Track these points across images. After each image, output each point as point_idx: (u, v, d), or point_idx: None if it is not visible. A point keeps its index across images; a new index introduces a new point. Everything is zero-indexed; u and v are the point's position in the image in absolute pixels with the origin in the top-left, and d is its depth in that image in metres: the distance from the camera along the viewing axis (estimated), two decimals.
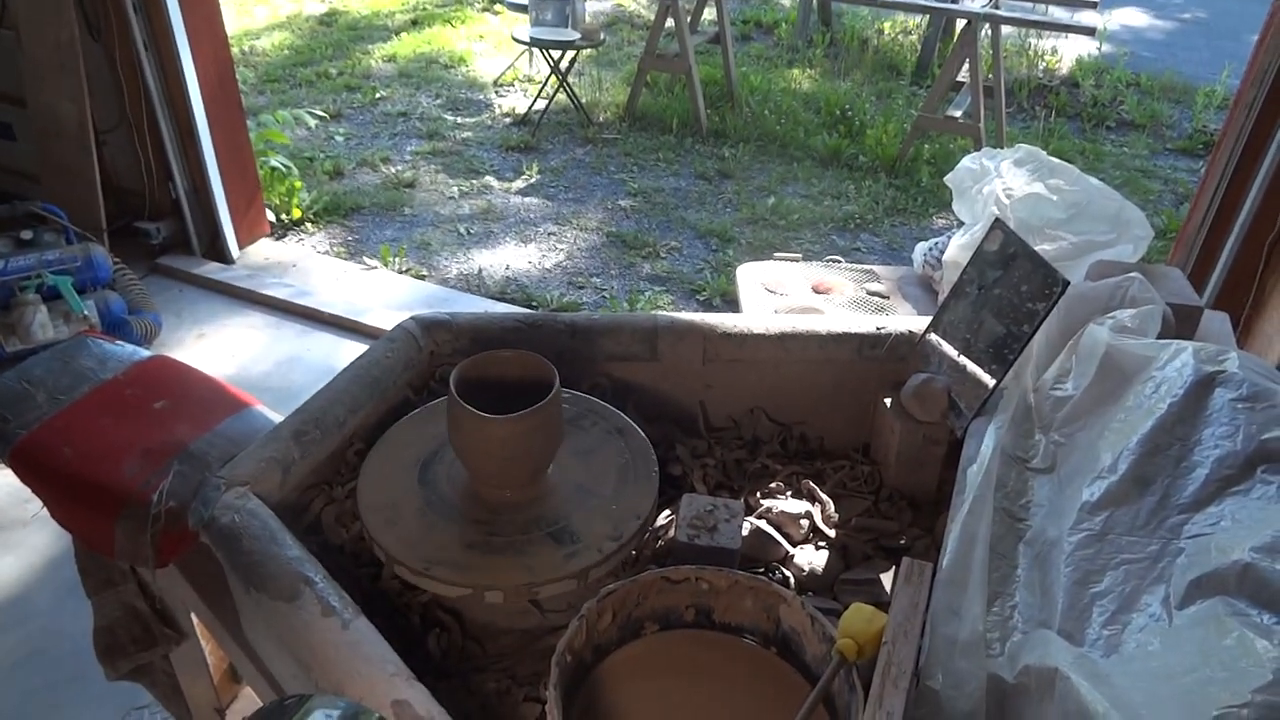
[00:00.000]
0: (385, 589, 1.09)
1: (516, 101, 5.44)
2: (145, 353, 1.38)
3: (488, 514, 1.04)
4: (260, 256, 3.63)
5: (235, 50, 5.49)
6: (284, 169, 4.05)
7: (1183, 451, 0.88)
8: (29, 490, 1.24)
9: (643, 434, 1.15)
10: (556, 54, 4.99)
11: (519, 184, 4.46)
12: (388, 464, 1.11)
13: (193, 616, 1.34)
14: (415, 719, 0.78)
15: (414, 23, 6.81)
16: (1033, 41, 6.27)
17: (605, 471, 1.10)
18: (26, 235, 2.96)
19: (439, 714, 0.79)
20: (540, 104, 5.12)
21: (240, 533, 0.98)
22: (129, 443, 1.20)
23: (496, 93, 5.59)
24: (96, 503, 1.16)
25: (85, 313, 2.85)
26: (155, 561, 1.15)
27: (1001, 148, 2.31)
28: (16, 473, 1.23)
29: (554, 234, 4.01)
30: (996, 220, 1.21)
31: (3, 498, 2.43)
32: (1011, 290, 1.15)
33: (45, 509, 1.24)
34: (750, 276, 2.34)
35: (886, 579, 1.10)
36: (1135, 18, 7.59)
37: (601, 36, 5.16)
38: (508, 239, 3.96)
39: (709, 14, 5.62)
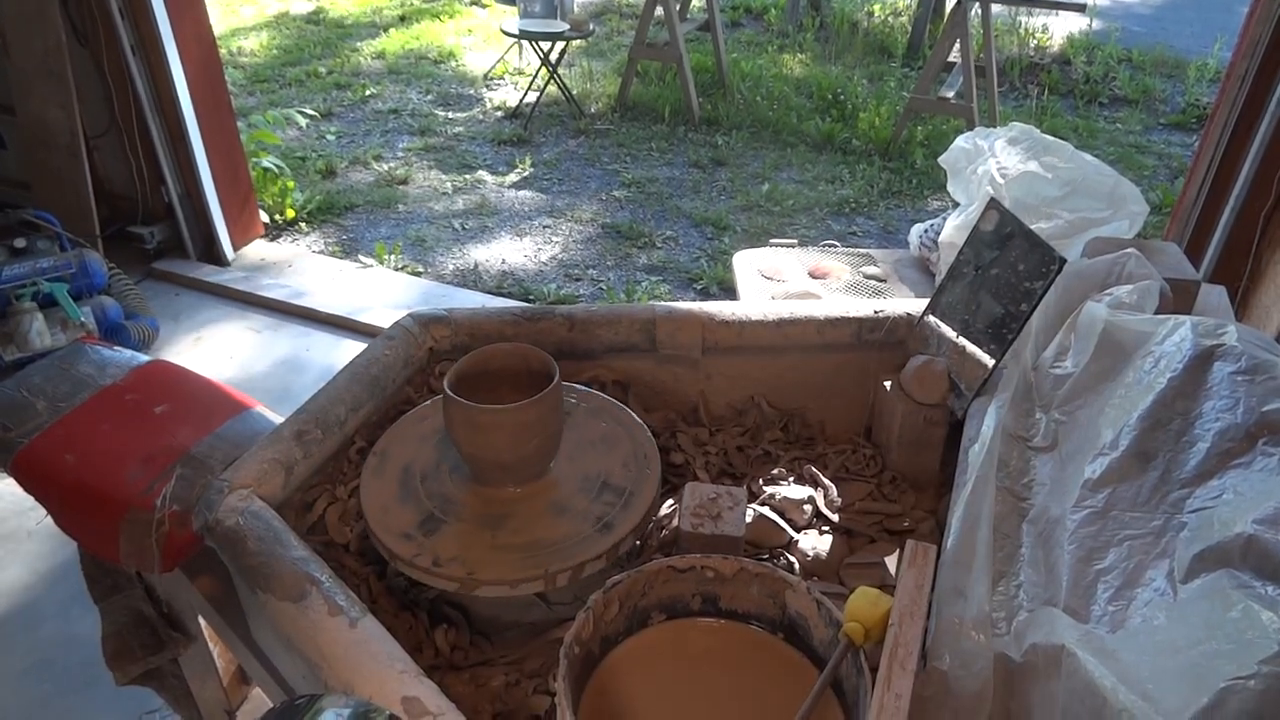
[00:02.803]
0: (391, 586, 1.09)
1: (507, 95, 5.43)
2: (144, 358, 1.37)
3: (491, 509, 1.04)
4: (255, 258, 3.62)
5: (223, 51, 5.46)
6: (276, 169, 4.04)
7: (1183, 426, 0.88)
8: (32, 499, 1.24)
9: (646, 429, 1.15)
10: (546, 46, 4.97)
11: (512, 178, 4.45)
12: (390, 461, 1.11)
13: (200, 619, 1.34)
14: (425, 714, 0.79)
15: (402, 19, 6.79)
16: (1023, 20, 6.25)
17: (607, 470, 1.10)
18: (20, 243, 2.95)
19: (449, 709, 0.79)
20: (531, 97, 5.11)
21: (245, 535, 0.98)
22: (130, 448, 1.20)
23: (487, 87, 5.58)
24: (100, 509, 1.16)
25: (82, 319, 2.85)
26: (160, 566, 1.15)
27: (995, 127, 2.31)
28: (19, 481, 1.23)
29: (549, 227, 4.00)
30: (992, 200, 1.20)
31: (6, 506, 2.43)
32: (1008, 270, 1.14)
33: (49, 517, 1.24)
34: (747, 264, 2.33)
35: (891, 562, 1.10)
36: None
37: (590, 27, 5.14)
38: (502, 233, 3.95)
39: (698, 1, 5.60)
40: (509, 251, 3.81)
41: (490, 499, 1.05)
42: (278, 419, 1.23)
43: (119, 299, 3.03)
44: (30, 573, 2.26)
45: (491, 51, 5.99)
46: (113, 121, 3.30)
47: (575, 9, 5.18)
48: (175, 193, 3.40)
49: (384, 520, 1.02)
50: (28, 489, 1.23)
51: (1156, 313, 1.10)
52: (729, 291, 3.43)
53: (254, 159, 3.96)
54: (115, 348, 1.40)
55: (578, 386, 1.22)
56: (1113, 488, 0.87)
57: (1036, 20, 6.28)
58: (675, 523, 1.12)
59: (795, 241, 2.49)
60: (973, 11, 4.35)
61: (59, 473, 1.19)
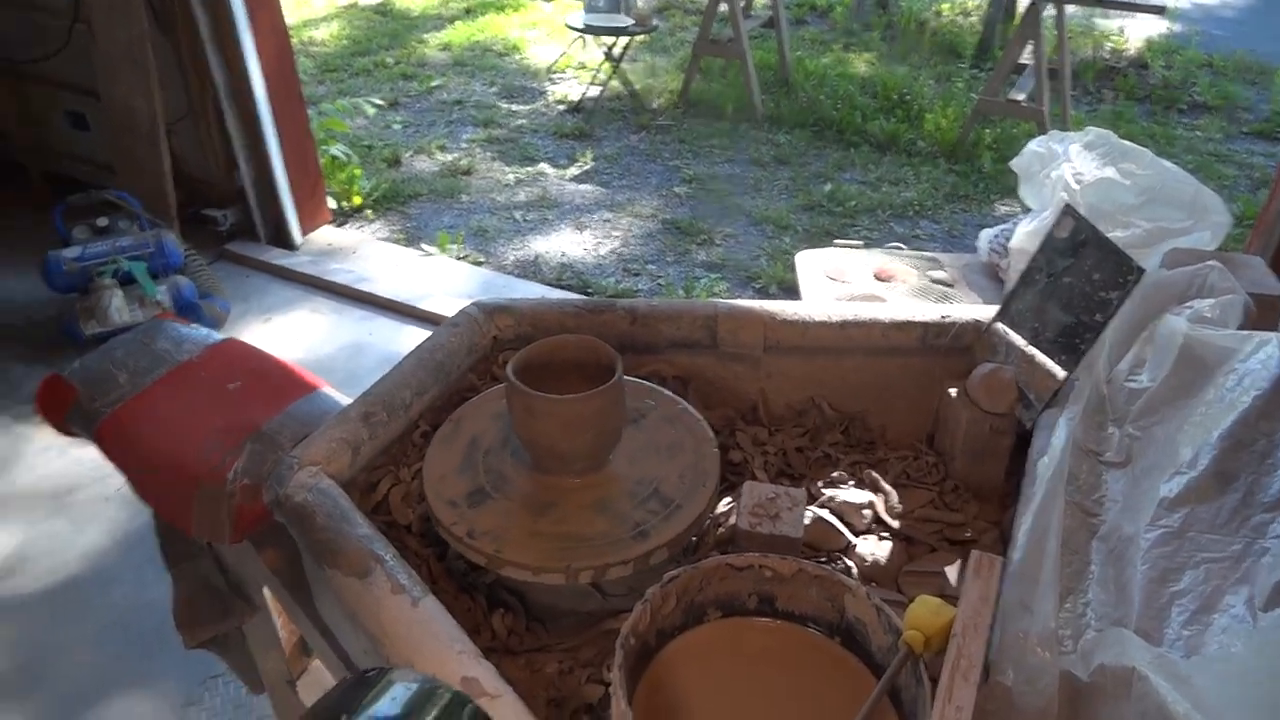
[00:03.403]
0: (451, 569, 1.11)
1: (570, 89, 5.45)
2: (218, 335, 1.42)
3: (539, 495, 1.06)
4: (323, 243, 3.70)
5: (295, 41, 5.59)
6: (344, 157, 4.13)
7: (1268, 447, 0.85)
8: (112, 466, 1.28)
9: (715, 445, 1.13)
10: (610, 40, 4.99)
11: (574, 171, 4.48)
12: (461, 432, 1.14)
13: (265, 590, 1.38)
14: (484, 695, 0.80)
15: (468, 11, 6.87)
16: (1099, 21, 6.09)
17: (661, 478, 1.09)
18: (102, 223, 3.07)
19: (506, 691, 0.81)
20: (594, 91, 5.13)
21: (313, 511, 1.00)
22: (205, 422, 1.24)
23: (550, 80, 5.61)
24: (175, 479, 1.20)
25: (158, 297, 2.95)
26: (230, 537, 1.18)
27: (1066, 131, 2.25)
28: (101, 449, 1.27)
29: (609, 221, 4.02)
30: (1067, 206, 1.18)
31: (86, 473, 2.53)
32: (1082, 278, 1.12)
33: (127, 484, 1.29)
34: (810, 264, 2.32)
35: (951, 572, 1.09)
36: None
37: (654, 22, 5.14)
38: (563, 226, 3.98)
39: None
40: (569, 244, 3.83)
41: (540, 485, 1.06)
42: (344, 400, 1.25)
43: (193, 279, 3.13)
44: (108, 537, 2.35)
45: (555, 45, 6.02)
46: (190, 108, 3.40)
47: (640, 4, 5.18)
48: (248, 178, 3.50)
49: (438, 486, 1.06)
50: (109, 457, 1.28)
51: (1240, 329, 1.06)
52: (788, 291, 3.41)
53: (323, 146, 4.04)
54: (192, 325, 1.44)
55: (664, 392, 1.21)
56: (1190, 508, 0.84)
57: (1113, 22, 6.11)
58: (732, 521, 1.12)
59: (860, 243, 2.47)
60: (1046, 12, 4.25)
61: (138, 443, 1.23)
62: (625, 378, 1.20)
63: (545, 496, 1.05)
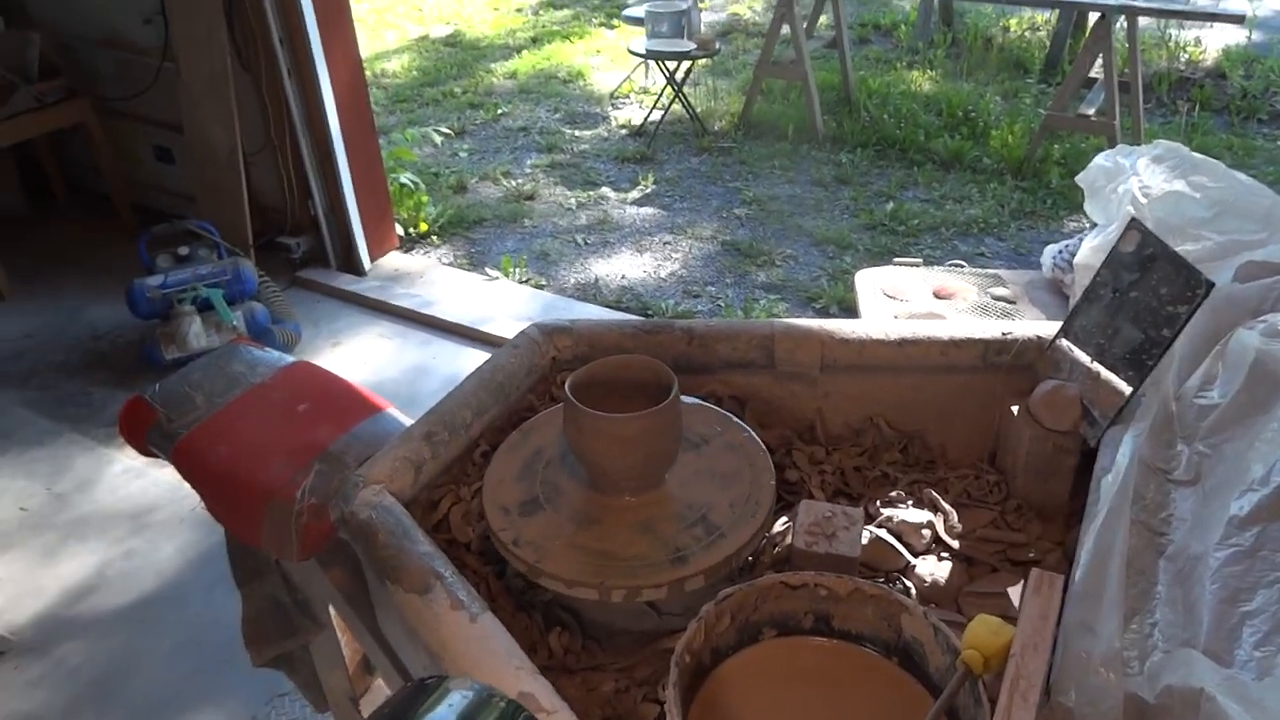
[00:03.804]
0: (510, 587, 1.13)
1: (632, 113, 5.52)
2: (290, 359, 1.47)
3: (586, 510, 1.07)
4: (390, 268, 3.81)
5: (368, 73, 5.78)
6: (412, 185, 4.24)
7: None
8: (188, 485, 1.34)
9: (772, 474, 1.12)
10: (672, 65, 5.04)
11: (635, 194, 4.52)
12: (529, 441, 1.17)
13: (330, 609, 1.42)
14: (540, 711, 0.81)
15: (534, 40, 7.01)
16: (1173, 32, 5.91)
17: (711, 505, 1.09)
18: (183, 251, 3.21)
19: (563, 708, 0.82)
20: (656, 115, 5.18)
21: (377, 528, 1.03)
22: (276, 442, 1.29)
23: (613, 105, 5.69)
24: (247, 496, 1.25)
25: (234, 323, 3.07)
26: (298, 554, 1.22)
27: (1138, 145, 2.19)
28: (178, 469, 1.33)
29: (669, 243, 4.04)
30: (1133, 220, 1.15)
31: (163, 494, 2.64)
32: (1149, 293, 1.09)
33: (202, 502, 1.34)
34: (869, 282, 2.30)
35: (1014, 593, 1.06)
36: None
37: (717, 46, 5.17)
38: (624, 249, 4.02)
39: (825, 19, 5.55)
40: (629, 267, 3.87)
41: (591, 501, 1.08)
42: (408, 421, 1.29)
43: (267, 304, 3.25)
44: (182, 557, 2.44)
45: (619, 71, 6.11)
46: (268, 140, 3.54)
47: (702, 28, 5.22)
48: (320, 207, 3.62)
49: (495, 493, 1.09)
50: (185, 476, 1.33)
51: None
52: (848, 311, 3.38)
53: (392, 175, 4.16)
54: (265, 349, 1.50)
55: (733, 419, 1.20)
56: (1262, 526, 0.81)
57: (1188, 33, 5.93)
58: (788, 540, 1.12)
59: (920, 260, 2.44)
60: (1117, 25, 4.15)
61: (213, 462, 1.28)
62: (692, 401, 1.21)
63: (593, 513, 1.07)
